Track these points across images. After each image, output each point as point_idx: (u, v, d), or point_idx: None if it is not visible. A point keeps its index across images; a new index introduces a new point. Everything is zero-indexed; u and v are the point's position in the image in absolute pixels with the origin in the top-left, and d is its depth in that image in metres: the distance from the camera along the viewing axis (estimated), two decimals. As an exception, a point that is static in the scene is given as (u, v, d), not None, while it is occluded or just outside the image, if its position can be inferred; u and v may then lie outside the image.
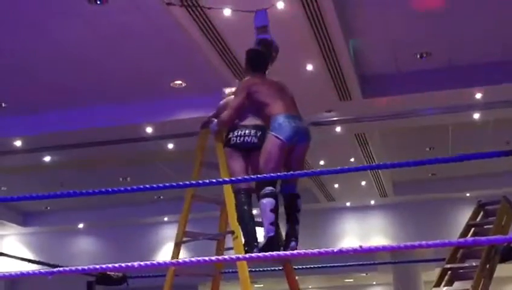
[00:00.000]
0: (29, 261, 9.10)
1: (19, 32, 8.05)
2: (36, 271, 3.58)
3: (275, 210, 4.94)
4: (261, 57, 5.52)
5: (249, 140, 5.17)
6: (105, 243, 17.25)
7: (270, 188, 4.99)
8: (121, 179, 14.00)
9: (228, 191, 5.16)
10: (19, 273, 3.57)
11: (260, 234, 5.02)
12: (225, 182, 5.07)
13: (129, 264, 3.47)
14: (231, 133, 5.22)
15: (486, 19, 8.21)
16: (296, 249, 5.02)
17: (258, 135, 5.17)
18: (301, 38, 7.89)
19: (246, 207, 5.04)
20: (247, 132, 5.20)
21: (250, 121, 5.24)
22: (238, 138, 5.18)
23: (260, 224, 5.07)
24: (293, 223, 5.11)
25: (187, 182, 4.33)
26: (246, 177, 5.09)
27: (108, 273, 7.43)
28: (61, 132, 10.45)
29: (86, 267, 3.68)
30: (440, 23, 8.30)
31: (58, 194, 4.08)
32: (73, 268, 3.78)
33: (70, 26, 7.91)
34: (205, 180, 4.05)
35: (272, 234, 4.88)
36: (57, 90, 9.69)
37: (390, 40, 8.73)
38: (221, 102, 5.63)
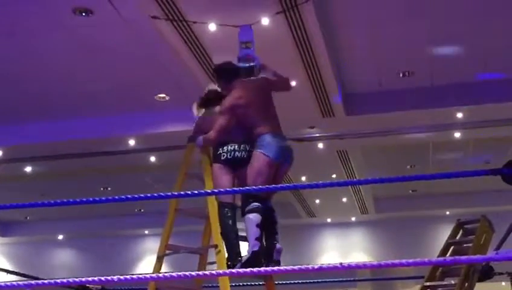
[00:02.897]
0: (8, 272, 9.02)
1: (2, 43, 8.01)
2: (14, 283, 3.55)
3: (260, 225, 4.99)
4: (228, 66, 5.59)
5: (238, 155, 5.23)
6: (85, 254, 17.12)
7: (256, 203, 5.03)
8: (102, 188, 13.93)
9: (212, 205, 5.17)
10: (-4, 284, 3.55)
11: (244, 248, 5.04)
12: (208, 193, 5.10)
13: (109, 278, 3.46)
14: (220, 149, 5.26)
15: (469, 39, 8.31)
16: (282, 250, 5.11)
17: (247, 149, 5.23)
18: (285, 55, 7.93)
19: (229, 221, 5.07)
20: (236, 147, 5.26)
21: (238, 136, 5.27)
22: (229, 153, 5.23)
23: (244, 239, 5.09)
24: (273, 233, 5.17)
25: (169, 193, 4.33)
26: (229, 189, 5.12)
27: (87, 285, 7.39)
28: (43, 142, 10.40)
29: (64, 280, 3.66)
30: (423, 42, 8.39)
31: (38, 203, 4.06)
32: (52, 281, 3.76)
33: (55, 37, 7.89)
34: (187, 192, 4.06)
35: (256, 249, 4.91)
36: (39, 101, 9.65)
37: (373, 59, 8.81)
38: (205, 115, 5.62)
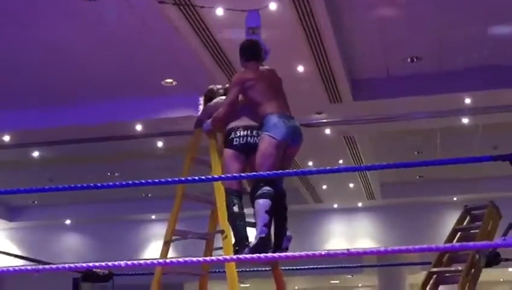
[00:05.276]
0: (16, 256, 9.07)
1: (9, 28, 8.02)
2: (22, 268, 3.57)
3: (270, 212, 4.94)
4: (253, 46, 5.51)
5: (251, 141, 5.17)
6: (92, 239, 17.20)
7: (268, 188, 4.97)
8: (109, 173, 13.96)
9: (219, 190, 5.15)
10: (5, 269, 3.57)
11: (251, 234, 5.03)
12: (215, 179, 5.07)
13: (116, 263, 3.48)
14: (233, 134, 5.20)
15: (476, 24, 8.26)
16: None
17: (259, 134, 5.17)
18: (293, 40, 7.91)
19: (236, 207, 5.04)
20: (248, 132, 5.20)
21: (249, 121, 5.25)
22: (241, 138, 5.17)
23: (251, 224, 5.08)
24: (283, 220, 5.15)
25: (176, 179, 4.32)
26: (236, 175, 5.08)
27: (94, 270, 7.42)
28: (51, 127, 10.42)
29: (72, 265, 3.68)
30: (430, 28, 8.34)
31: (45, 189, 4.06)
32: (59, 265, 3.77)
33: (61, 22, 7.89)
34: (195, 177, 4.05)
35: (263, 235, 4.88)
36: (47, 86, 9.65)
37: (381, 44, 8.76)
38: (211, 103, 5.63)
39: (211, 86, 5.85)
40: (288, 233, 5.12)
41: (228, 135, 5.24)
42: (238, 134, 5.19)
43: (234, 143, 5.18)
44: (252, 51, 5.46)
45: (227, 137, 5.24)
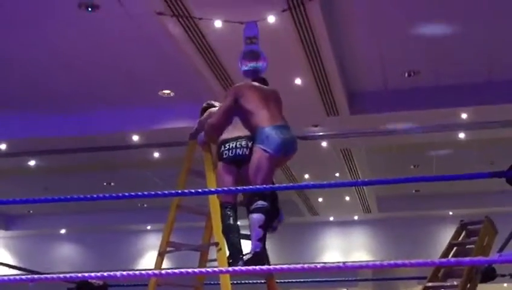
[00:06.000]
0: (10, 266, 9.03)
1: (8, 37, 8.02)
2: (17, 277, 3.55)
3: (264, 226, 4.89)
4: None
5: (240, 152, 5.13)
6: (87, 249, 17.15)
7: (262, 202, 4.91)
8: (105, 183, 13.93)
9: (213, 202, 5.14)
10: (-1, 279, 3.55)
11: (246, 246, 5.01)
12: (210, 192, 5.06)
13: (111, 273, 3.45)
14: (222, 147, 5.18)
15: (474, 39, 8.29)
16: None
17: (249, 145, 5.12)
18: (291, 53, 7.93)
19: (231, 221, 5.01)
20: (237, 144, 5.15)
21: (240, 132, 5.22)
22: (230, 151, 5.14)
23: (246, 237, 5.06)
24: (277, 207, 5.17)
25: (172, 191, 4.31)
26: (232, 188, 5.06)
27: (89, 281, 7.39)
28: (47, 137, 10.41)
29: (67, 275, 3.67)
30: (429, 42, 8.37)
31: (41, 199, 4.05)
32: (54, 275, 3.76)
33: (60, 31, 7.89)
34: (191, 190, 4.04)
35: (258, 249, 4.85)
36: (44, 96, 9.65)
37: (379, 58, 8.79)
38: (203, 117, 5.62)
39: (209, 101, 5.85)
40: (281, 216, 5.13)
41: (219, 148, 5.23)
42: (227, 147, 5.16)
43: (224, 156, 5.15)
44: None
45: (218, 150, 5.24)
